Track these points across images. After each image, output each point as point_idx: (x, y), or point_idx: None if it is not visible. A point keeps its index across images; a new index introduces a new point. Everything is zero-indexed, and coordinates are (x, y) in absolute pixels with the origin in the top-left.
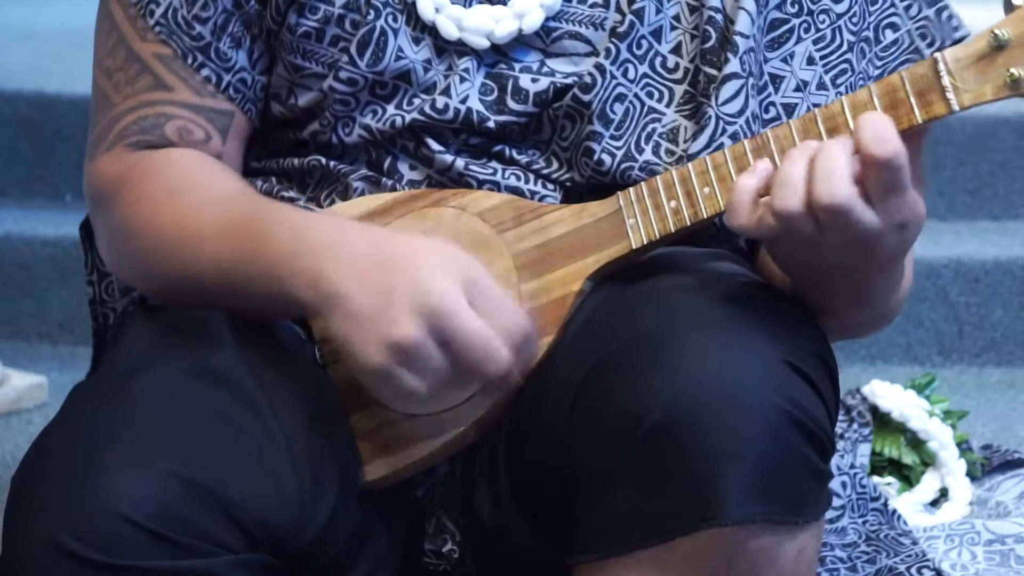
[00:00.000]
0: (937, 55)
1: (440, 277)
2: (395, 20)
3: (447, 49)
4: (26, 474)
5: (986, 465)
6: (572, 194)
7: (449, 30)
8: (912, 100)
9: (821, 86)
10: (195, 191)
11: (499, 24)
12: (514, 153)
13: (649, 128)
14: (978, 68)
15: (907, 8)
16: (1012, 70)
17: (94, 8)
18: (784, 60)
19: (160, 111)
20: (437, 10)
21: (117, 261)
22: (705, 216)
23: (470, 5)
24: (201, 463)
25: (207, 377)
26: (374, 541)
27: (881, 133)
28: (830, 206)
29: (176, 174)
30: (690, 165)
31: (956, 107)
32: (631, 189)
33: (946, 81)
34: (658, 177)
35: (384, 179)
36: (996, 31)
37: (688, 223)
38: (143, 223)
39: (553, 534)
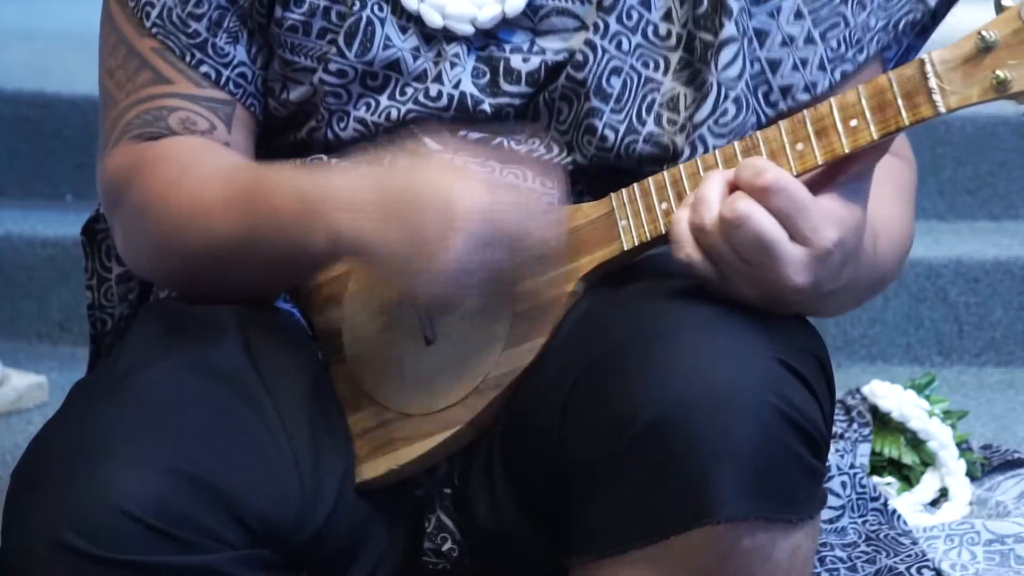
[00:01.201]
0: (924, 56)
1: (455, 182)
2: (380, 10)
3: (435, 36)
4: (27, 469)
5: (986, 465)
6: (574, 184)
7: (433, 18)
8: (899, 102)
9: (809, 40)
10: (202, 167)
11: (482, 9)
12: (512, 146)
13: (649, 98)
14: (965, 70)
15: None
16: (998, 72)
17: (94, 8)
18: (770, 15)
19: (162, 104)
20: None
21: (135, 247)
22: None
23: None
24: (203, 459)
25: (209, 374)
26: (374, 539)
27: (758, 166)
28: (731, 217)
29: (184, 154)
30: (681, 166)
31: (942, 109)
32: (623, 190)
33: (933, 83)
34: (650, 178)
35: None
36: (983, 32)
37: None
38: (157, 201)
39: (550, 534)
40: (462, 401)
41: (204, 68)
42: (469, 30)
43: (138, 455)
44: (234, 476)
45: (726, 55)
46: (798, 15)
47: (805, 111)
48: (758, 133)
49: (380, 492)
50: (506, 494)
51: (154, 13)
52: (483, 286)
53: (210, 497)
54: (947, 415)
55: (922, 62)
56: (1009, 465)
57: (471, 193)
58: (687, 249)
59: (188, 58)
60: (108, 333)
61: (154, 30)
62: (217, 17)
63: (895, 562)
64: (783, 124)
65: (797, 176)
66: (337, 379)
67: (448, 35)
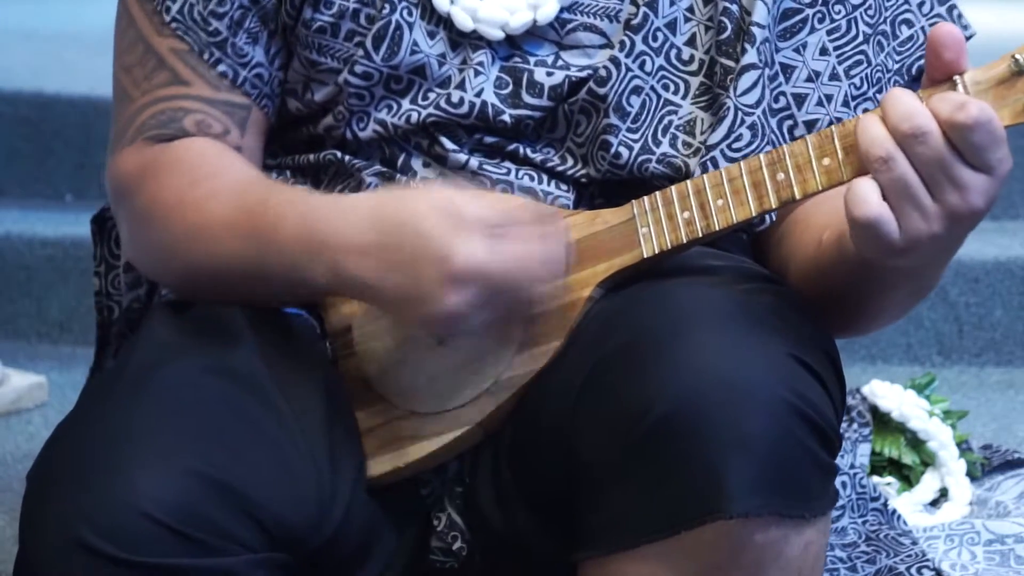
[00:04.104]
0: (956, 78)
1: (453, 236)
2: (410, 14)
3: (461, 42)
4: (44, 469)
5: (986, 465)
6: (586, 191)
7: (464, 21)
8: None
9: (834, 77)
10: (213, 180)
11: (514, 15)
12: (528, 151)
13: (666, 120)
14: (997, 92)
15: (920, 5)
16: None
17: (94, 8)
18: (796, 50)
19: (178, 105)
20: (452, 1)
21: (139, 251)
22: (717, 228)
23: None
24: (223, 461)
25: (227, 375)
26: (385, 540)
27: (959, 100)
28: (914, 129)
29: (196, 164)
30: (705, 177)
31: None
32: (645, 198)
33: None
34: (672, 187)
35: (398, 175)
36: (1017, 56)
37: (700, 235)
38: (165, 213)
39: (559, 532)
40: (472, 402)
41: (222, 67)
42: (499, 35)
43: (157, 456)
44: (253, 478)
45: (745, 81)
46: (823, 51)
47: (833, 127)
48: (784, 147)
49: (390, 492)
50: (515, 492)
51: (175, 8)
52: (482, 326)
53: (229, 499)
54: (947, 415)
55: (955, 83)
56: (1009, 465)
57: (469, 249)
58: (887, 147)
59: (207, 56)
60: (116, 321)
61: (173, 25)
62: (239, 17)
63: (895, 562)
64: (810, 139)
65: (821, 191)
66: (346, 375)
67: (475, 43)
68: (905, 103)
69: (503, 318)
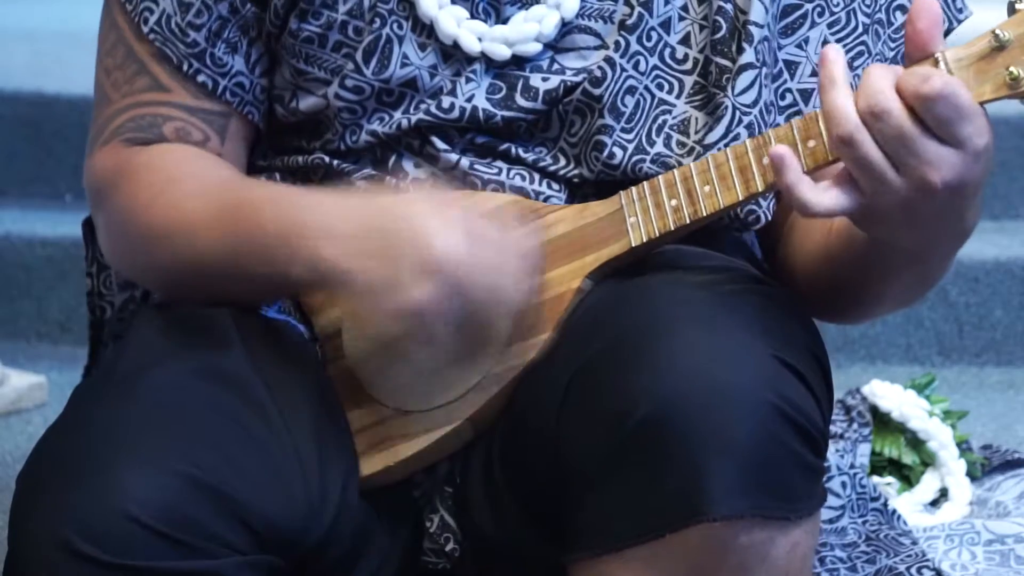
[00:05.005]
0: (937, 54)
1: (436, 227)
2: (400, 27)
3: (454, 53)
4: (33, 472)
5: (986, 465)
6: (578, 192)
7: (449, 26)
8: None
9: None
10: (190, 180)
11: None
12: (520, 151)
13: (660, 120)
14: (978, 67)
15: None
16: (1012, 69)
17: (94, 8)
18: (799, 46)
19: (157, 112)
20: (439, 6)
21: (117, 253)
22: (705, 214)
23: (490, 21)
24: (210, 464)
25: (215, 378)
26: (376, 542)
27: (924, 72)
28: (873, 108)
29: (172, 165)
30: (692, 164)
31: None
32: (633, 188)
33: None
34: (659, 176)
35: (388, 178)
36: (997, 31)
37: (688, 221)
38: (140, 213)
39: (550, 533)
40: (462, 397)
41: (201, 78)
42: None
43: (145, 458)
44: (241, 481)
45: (743, 80)
46: (826, 44)
47: (817, 109)
48: (770, 131)
49: (382, 493)
50: (505, 493)
51: (152, 19)
52: (451, 327)
53: (217, 502)
54: (947, 415)
55: (936, 60)
56: (1009, 465)
57: (450, 240)
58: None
59: (185, 67)
60: (108, 321)
61: (151, 36)
62: (217, 28)
63: (895, 562)
64: (795, 121)
65: (808, 172)
66: (337, 378)
67: (468, 55)
68: (870, 83)
69: (477, 317)
